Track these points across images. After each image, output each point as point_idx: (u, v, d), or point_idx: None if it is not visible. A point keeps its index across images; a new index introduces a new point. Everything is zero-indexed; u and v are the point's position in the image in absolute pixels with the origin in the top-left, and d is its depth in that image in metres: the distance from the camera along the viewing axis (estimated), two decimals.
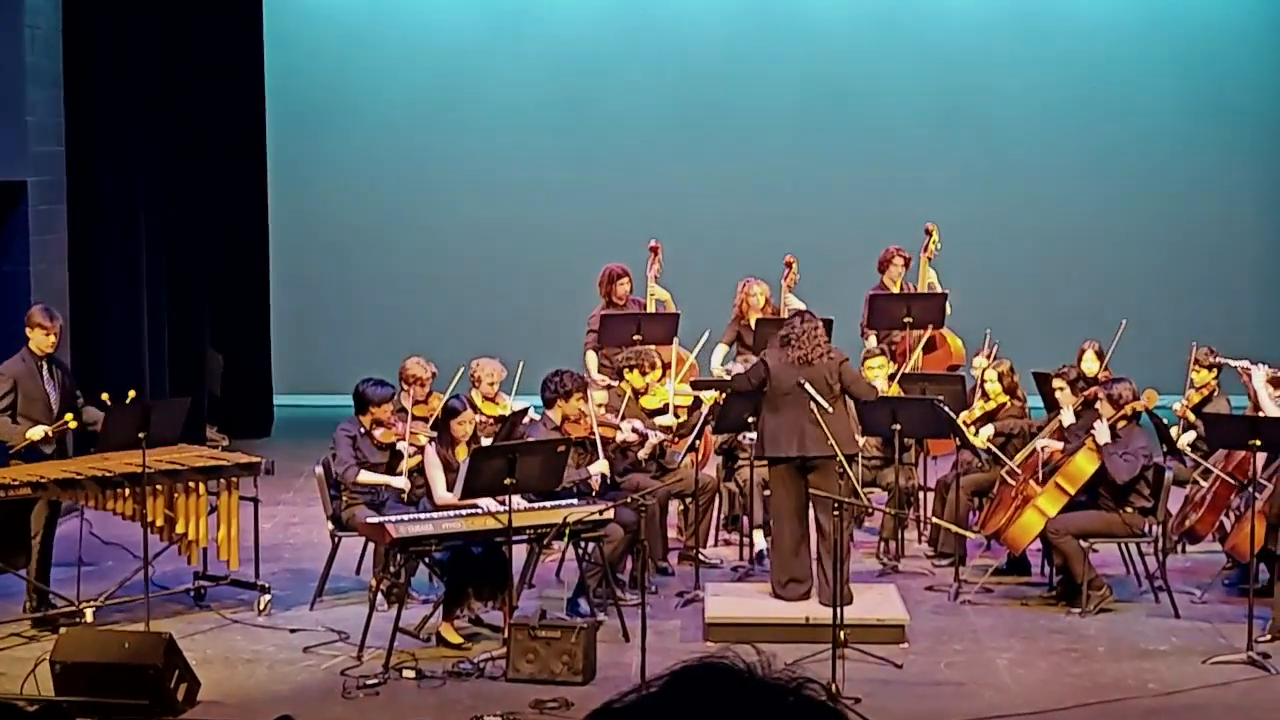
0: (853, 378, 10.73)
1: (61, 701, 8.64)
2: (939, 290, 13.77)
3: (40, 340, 10.66)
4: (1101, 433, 10.82)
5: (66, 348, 12.70)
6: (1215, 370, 12.08)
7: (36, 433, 10.57)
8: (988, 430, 11.87)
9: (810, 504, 10.42)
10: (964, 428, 11.79)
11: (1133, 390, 11.01)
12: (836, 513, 9.79)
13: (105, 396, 10.58)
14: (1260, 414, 10.52)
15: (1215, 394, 12.15)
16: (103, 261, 15.00)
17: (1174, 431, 12.00)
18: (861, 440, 11.82)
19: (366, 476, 10.88)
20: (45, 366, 10.73)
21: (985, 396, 12.20)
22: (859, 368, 11.68)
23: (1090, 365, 12.27)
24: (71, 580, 10.80)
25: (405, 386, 11.61)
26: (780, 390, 10.42)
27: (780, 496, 10.57)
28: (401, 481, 10.87)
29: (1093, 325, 14.38)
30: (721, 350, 13.45)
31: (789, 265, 13.61)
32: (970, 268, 14.79)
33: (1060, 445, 11.22)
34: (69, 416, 10.68)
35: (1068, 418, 11.37)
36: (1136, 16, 17.61)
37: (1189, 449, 11.69)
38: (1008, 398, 12.17)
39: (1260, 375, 10.36)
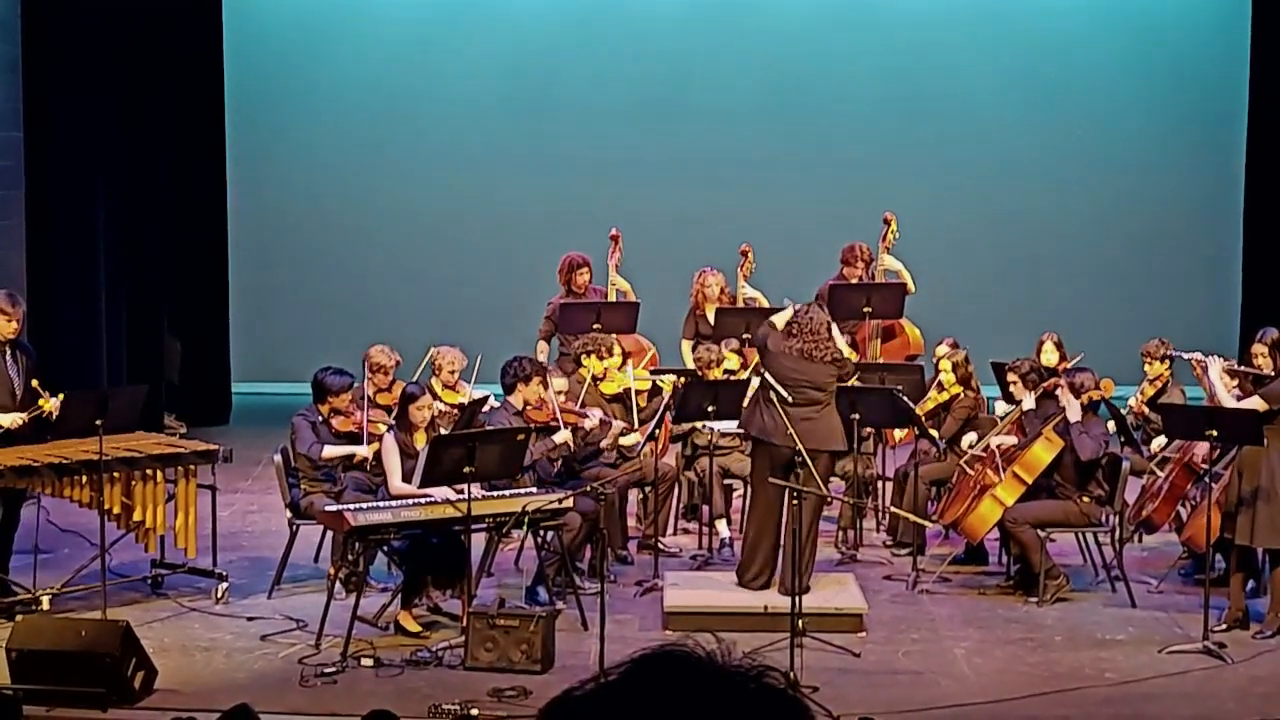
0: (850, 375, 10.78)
1: (16, 689, 8.60)
2: (905, 276, 13.76)
3: (1, 326, 10.59)
4: (1073, 409, 10.86)
5: (25, 334, 12.62)
6: (1167, 362, 12.12)
7: (6, 419, 10.49)
8: (970, 437, 11.82)
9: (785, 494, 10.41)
10: (922, 418, 11.83)
11: (1094, 379, 11.06)
12: (795, 502, 9.81)
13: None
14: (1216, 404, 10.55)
15: (1169, 385, 12.19)
16: (60, 248, 14.94)
17: (1131, 420, 12.03)
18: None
19: (332, 451, 10.90)
20: (8, 352, 10.66)
21: (940, 387, 12.22)
22: None
23: (1049, 357, 12.29)
24: (28, 568, 10.77)
25: (369, 374, 11.59)
26: (774, 378, 10.38)
27: (764, 482, 10.54)
28: (365, 450, 10.91)
29: (1050, 316, 14.48)
30: (687, 347, 13.42)
31: (744, 254, 13.62)
32: (928, 259, 14.80)
33: (1014, 440, 11.26)
34: (44, 402, 10.54)
35: (1028, 404, 11.41)
36: (1094, 10, 17.66)
37: (1161, 451, 11.69)
38: (961, 388, 12.18)
39: (1216, 367, 10.39)
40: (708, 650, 2.28)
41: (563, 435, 10.92)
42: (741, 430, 11.26)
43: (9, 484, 10.38)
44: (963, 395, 12.17)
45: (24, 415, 10.54)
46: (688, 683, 2.24)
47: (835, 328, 10.78)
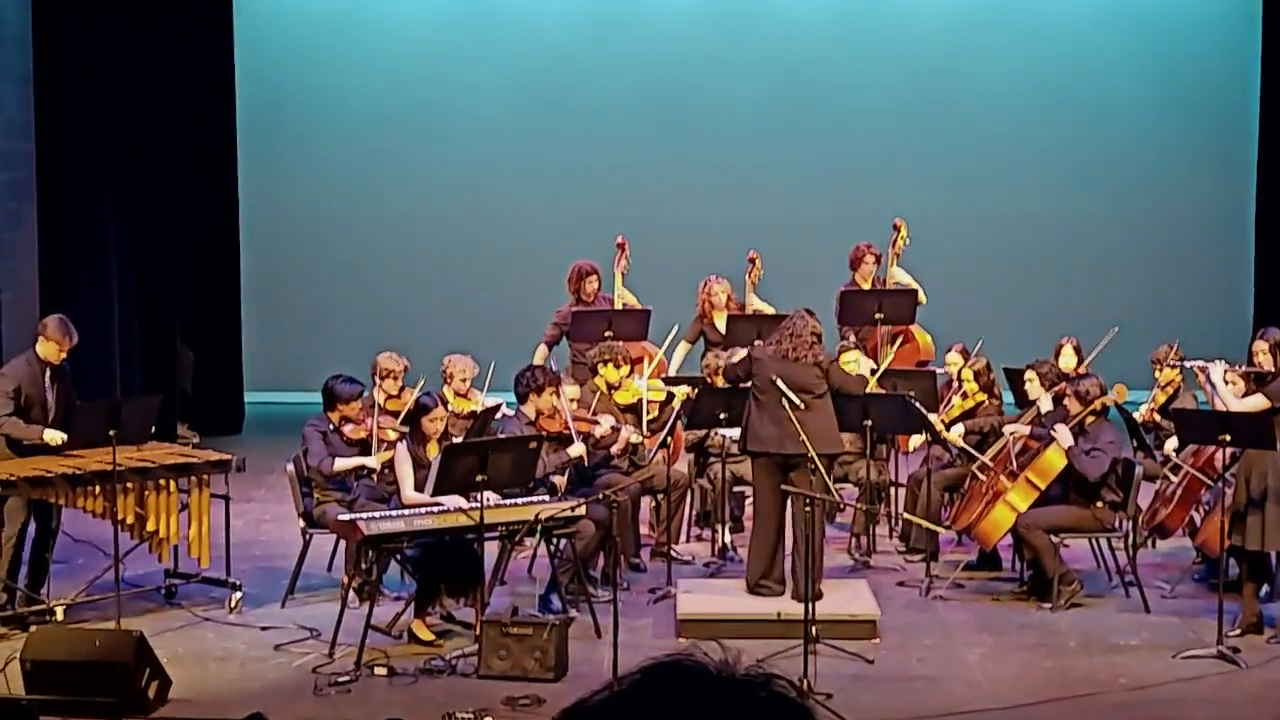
0: (840, 377, 10.71)
1: (30, 700, 8.61)
2: (911, 285, 13.78)
3: (49, 351, 10.65)
4: (1064, 436, 10.83)
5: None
6: (1179, 368, 12.10)
7: (53, 437, 10.52)
8: (959, 429, 11.84)
9: (786, 501, 10.44)
10: (937, 424, 11.81)
11: (1100, 386, 11.04)
12: (808, 508, 9.80)
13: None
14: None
15: (1180, 391, 12.17)
16: (73, 259, 14.97)
17: (1146, 425, 12.01)
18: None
19: (342, 464, 10.89)
20: (48, 373, 10.70)
21: (964, 395, 12.21)
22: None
23: (1068, 361, 12.26)
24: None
25: (378, 381, 11.61)
26: (763, 385, 10.42)
27: (764, 492, 10.55)
28: (374, 461, 10.88)
29: (1061, 322, 14.46)
30: (684, 348, 13.45)
31: (752, 261, 13.62)
32: (938, 264, 14.80)
33: (1028, 430, 11.23)
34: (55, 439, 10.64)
35: (1045, 405, 11.38)
36: (1105, 14, 17.66)
37: (1174, 454, 11.66)
38: (985, 396, 12.18)
39: (1218, 371, 10.38)
40: (715, 658, 2.28)
41: (577, 449, 10.90)
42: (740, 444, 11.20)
43: (24, 494, 10.39)
44: (987, 403, 12.17)
45: (63, 439, 10.55)
46: (696, 691, 2.24)
47: (820, 339, 10.71)
